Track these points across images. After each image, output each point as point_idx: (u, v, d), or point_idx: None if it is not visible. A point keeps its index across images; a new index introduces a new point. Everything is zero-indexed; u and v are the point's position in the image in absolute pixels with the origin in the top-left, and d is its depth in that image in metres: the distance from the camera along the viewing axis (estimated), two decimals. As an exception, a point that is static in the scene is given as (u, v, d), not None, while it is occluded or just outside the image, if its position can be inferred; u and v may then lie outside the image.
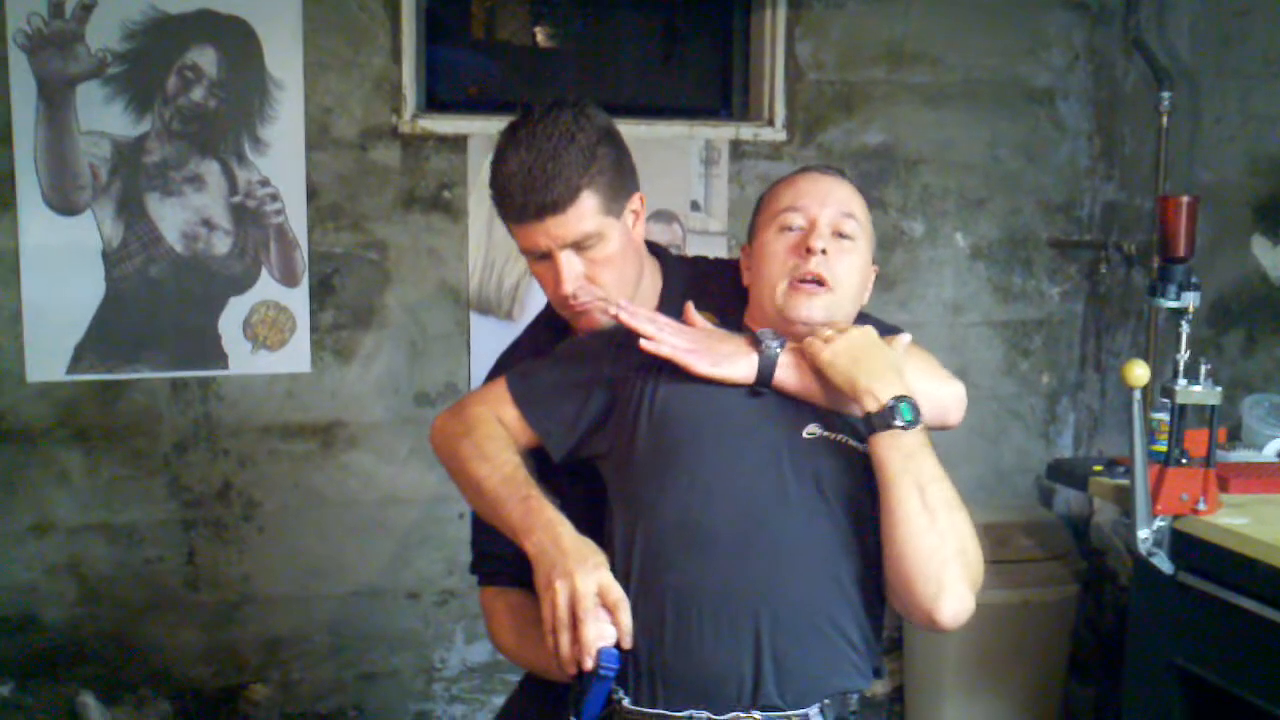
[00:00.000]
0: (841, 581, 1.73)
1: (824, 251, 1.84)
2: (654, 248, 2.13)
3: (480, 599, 2.09)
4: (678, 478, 1.75)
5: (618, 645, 1.67)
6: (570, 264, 1.91)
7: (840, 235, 1.88)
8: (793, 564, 1.71)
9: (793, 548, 1.72)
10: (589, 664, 1.65)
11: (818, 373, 1.77)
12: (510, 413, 1.89)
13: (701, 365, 1.79)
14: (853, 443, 1.79)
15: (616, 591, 1.68)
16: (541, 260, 1.95)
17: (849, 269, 1.88)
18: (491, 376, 2.06)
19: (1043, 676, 3.81)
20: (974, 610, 1.68)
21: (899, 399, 1.71)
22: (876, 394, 1.71)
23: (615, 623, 1.67)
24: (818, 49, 3.92)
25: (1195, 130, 3.68)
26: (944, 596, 1.65)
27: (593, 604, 1.65)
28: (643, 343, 1.78)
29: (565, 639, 1.65)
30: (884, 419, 1.70)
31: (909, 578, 1.68)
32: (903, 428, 1.69)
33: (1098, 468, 3.00)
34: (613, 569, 1.71)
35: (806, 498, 1.74)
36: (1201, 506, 2.59)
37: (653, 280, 2.08)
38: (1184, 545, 2.61)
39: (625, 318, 1.80)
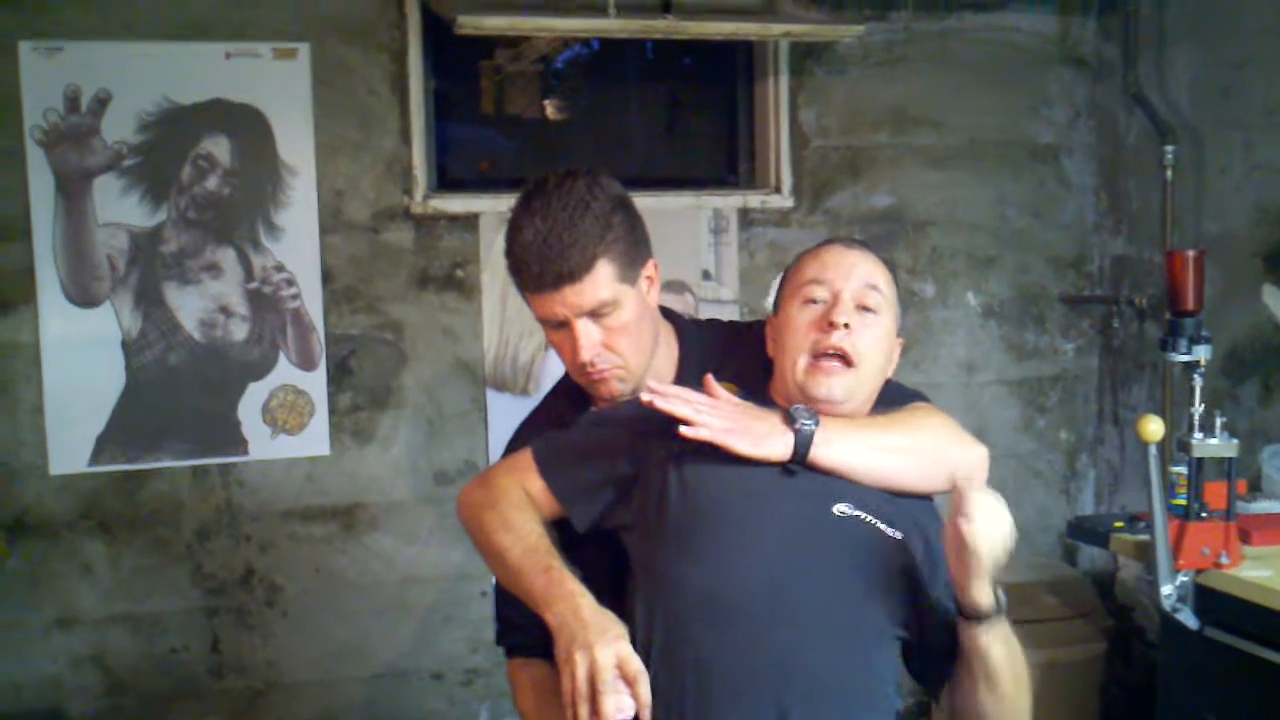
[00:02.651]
0: (863, 659, 1.72)
1: (847, 325, 1.83)
2: (668, 312, 2.15)
3: (507, 669, 2.08)
4: (702, 551, 1.74)
5: (637, 718, 1.66)
6: (587, 332, 1.92)
7: (864, 309, 1.86)
8: (814, 640, 1.70)
9: (815, 624, 1.70)
10: (608, 737, 1.65)
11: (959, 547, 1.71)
12: (536, 483, 1.89)
13: (743, 445, 1.76)
14: (881, 525, 1.76)
15: (636, 664, 1.66)
16: (558, 329, 1.95)
17: (872, 342, 1.85)
18: (511, 445, 2.06)
19: (1075, 736, 3.77)
20: None
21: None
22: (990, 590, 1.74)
23: (634, 695, 1.66)
24: (821, 115, 3.96)
25: (1200, 182, 3.70)
26: None
27: (611, 676, 1.64)
28: (682, 429, 1.74)
29: (584, 711, 1.64)
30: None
31: None
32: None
33: (1119, 524, 2.98)
34: (634, 640, 1.70)
35: (831, 575, 1.72)
36: (1224, 560, 2.58)
37: (668, 345, 2.09)
38: (1209, 600, 2.59)
39: (660, 403, 1.76)
